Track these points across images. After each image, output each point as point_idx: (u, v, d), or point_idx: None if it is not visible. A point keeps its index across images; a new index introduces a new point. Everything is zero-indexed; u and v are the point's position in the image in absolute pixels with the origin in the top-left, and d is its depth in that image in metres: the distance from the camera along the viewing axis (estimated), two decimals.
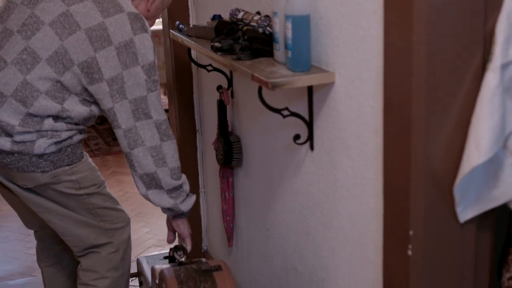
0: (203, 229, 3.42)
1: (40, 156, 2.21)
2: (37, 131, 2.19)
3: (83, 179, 2.32)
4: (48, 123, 2.19)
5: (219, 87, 2.68)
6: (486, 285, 1.70)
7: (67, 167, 2.27)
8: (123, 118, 2.21)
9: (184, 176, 2.39)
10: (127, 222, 2.51)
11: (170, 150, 2.30)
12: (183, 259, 2.41)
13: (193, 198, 2.43)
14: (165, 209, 2.41)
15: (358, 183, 1.82)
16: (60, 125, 2.22)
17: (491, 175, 1.54)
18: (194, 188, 3.38)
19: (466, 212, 1.58)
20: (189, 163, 3.36)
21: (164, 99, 6.44)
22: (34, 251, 3.76)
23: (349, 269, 1.95)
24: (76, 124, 2.27)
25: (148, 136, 2.24)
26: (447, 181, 1.55)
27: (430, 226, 1.57)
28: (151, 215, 4.30)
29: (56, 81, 2.17)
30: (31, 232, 4.05)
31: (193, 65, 3.15)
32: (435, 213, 1.57)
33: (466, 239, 1.62)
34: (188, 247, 2.47)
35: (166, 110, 6.43)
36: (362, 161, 1.79)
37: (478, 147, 1.47)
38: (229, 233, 2.91)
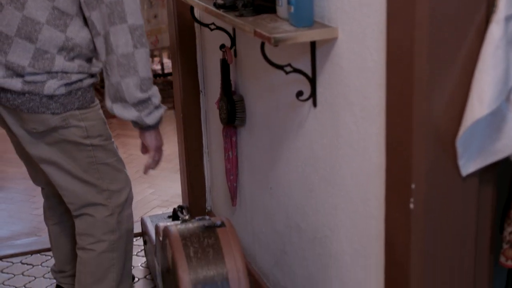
0: (206, 189, 3.43)
1: (50, 97, 2.24)
2: (47, 72, 2.22)
3: (92, 127, 2.34)
4: (58, 63, 2.21)
5: (222, 46, 2.68)
6: (488, 239, 1.71)
7: (77, 111, 2.30)
8: (99, 24, 2.18)
9: (154, 89, 2.31)
10: (126, 185, 2.50)
11: (143, 58, 2.22)
12: (186, 218, 2.42)
13: (160, 111, 2.34)
14: (131, 122, 2.34)
15: (361, 138, 1.83)
16: (70, 65, 2.23)
17: (494, 128, 1.54)
18: (198, 149, 3.39)
19: (468, 166, 1.58)
20: (192, 124, 3.37)
21: (168, 63, 6.44)
22: (39, 211, 3.79)
23: (351, 225, 1.96)
24: (87, 61, 2.28)
25: (122, 42, 2.17)
26: (449, 134, 1.55)
27: (432, 180, 1.58)
28: (155, 176, 4.31)
29: (52, 8, 2.18)
30: (37, 193, 4.10)
31: (196, 26, 3.14)
32: (437, 166, 1.57)
33: (468, 193, 1.62)
34: (149, 161, 2.39)
35: (170, 73, 6.41)
36: (365, 116, 1.79)
37: (481, 100, 1.47)
38: (233, 193, 2.93)
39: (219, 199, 3.28)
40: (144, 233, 3.09)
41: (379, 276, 1.83)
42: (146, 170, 2.43)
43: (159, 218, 3.08)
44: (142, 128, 2.35)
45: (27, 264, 3.23)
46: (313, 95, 2.04)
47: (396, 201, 1.66)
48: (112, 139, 2.46)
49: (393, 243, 1.70)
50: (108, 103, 2.26)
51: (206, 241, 2.08)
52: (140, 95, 2.23)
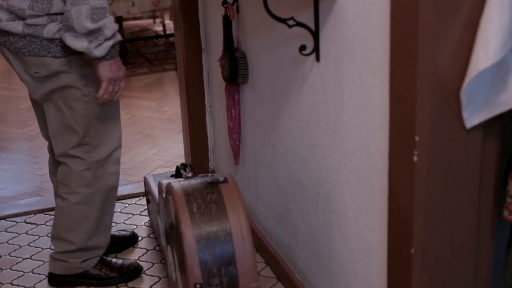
0: (209, 148, 3.43)
1: (51, 40, 2.29)
2: (47, 14, 2.26)
3: (92, 75, 2.35)
4: (56, 5, 2.25)
5: (225, 2, 2.65)
6: (491, 193, 1.70)
7: (78, 56, 2.32)
8: None
9: (107, 20, 2.23)
10: (112, 143, 2.52)
11: None
12: (189, 175, 2.41)
13: (110, 43, 2.24)
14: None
15: (364, 92, 1.81)
16: None
17: (499, 80, 1.53)
18: (201, 108, 3.38)
19: (472, 118, 1.57)
20: (195, 83, 3.35)
21: (169, 24, 6.40)
22: (42, 172, 3.80)
23: (355, 180, 1.95)
24: None
25: None
26: (454, 86, 1.54)
27: (436, 132, 1.56)
28: (158, 137, 4.31)
29: None
30: (40, 154, 4.11)
31: None
32: (441, 118, 1.56)
33: (472, 146, 1.61)
34: (101, 91, 2.33)
35: (171, 35, 6.36)
36: (369, 69, 1.77)
37: (486, 50, 1.45)
38: (236, 151, 2.92)
39: (222, 158, 3.27)
40: (147, 193, 3.10)
41: (383, 230, 1.83)
42: (98, 99, 2.36)
43: (162, 177, 3.08)
44: (95, 59, 2.29)
45: (31, 223, 3.24)
46: (316, 49, 2.02)
47: (399, 154, 1.65)
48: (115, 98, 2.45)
49: (397, 196, 1.70)
50: (62, 32, 2.26)
51: (209, 197, 2.08)
52: (90, 25, 2.20)
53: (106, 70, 2.30)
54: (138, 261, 2.79)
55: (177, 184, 2.14)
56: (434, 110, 1.55)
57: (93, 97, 2.38)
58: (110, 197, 2.61)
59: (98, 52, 2.24)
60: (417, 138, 1.57)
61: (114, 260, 2.74)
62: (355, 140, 1.91)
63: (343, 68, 1.90)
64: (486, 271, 1.77)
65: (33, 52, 2.31)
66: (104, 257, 2.72)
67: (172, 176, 3.01)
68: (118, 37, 2.29)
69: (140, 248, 2.94)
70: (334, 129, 2.02)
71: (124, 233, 2.97)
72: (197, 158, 3.46)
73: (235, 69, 2.66)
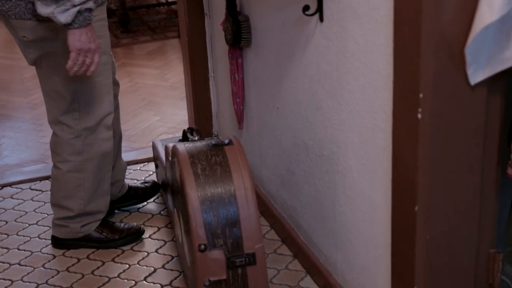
0: (213, 114, 3.43)
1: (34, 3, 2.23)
2: None
3: None
4: None
5: None
6: (495, 150, 1.71)
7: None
8: None
9: None
10: (102, 110, 2.51)
11: None
12: (196, 139, 2.41)
13: (76, 9, 2.16)
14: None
15: (368, 51, 1.81)
16: None
17: (504, 36, 1.52)
18: (204, 74, 3.37)
19: (477, 74, 1.56)
20: (198, 49, 3.34)
21: None
22: (46, 140, 3.80)
23: (359, 140, 1.96)
24: None
25: None
26: (458, 42, 1.53)
27: (440, 89, 1.56)
28: (161, 104, 4.31)
29: None
30: (44, 122, 4.11)
31: None
32: (445, 75, 1.56)
33: (476, 102, 1.61)
34: (69, 62, 2.26)
35: (174, 2, 6.34)
36: (373, 28, 1.76)
37: (491, 5, 1.44)
38: (239, 116, 2.92)
39: (226, 123, 3.27)
40: (155, 158, 3.10)
41: (387, 189, 1.84)
42: (68, 70, 2.30)
43: (169, 141, 3.07)
44: (65, 26, 2.22)
45: (36, 190, 3.25)
46: (319, 9, 2.01)
47: (403, 112, 1.65)
48: (102, 62, 2.42)
49: (401, 155, 1.70)
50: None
51: (214, 159, 2.08)
52: None
53: (75, 40, 2.21)
54: (143, 225, 2.81)
55: (182, 146, 2.15)
56: (438, 67, 1.55)
57: None
58: (105, 163, 2.61)
59: (64, 18, 2.16)
60: (421, 95, 1.57)
61: (116, 223, 2.77)
62: (359, 100, 1.91)
63: (346, 28, 1.90)
64: (490, 229, 1.78)
65: (18, 15, 2.29)
66: (107, 220, 2.76)
67: (180, 140, 3.00)
68: (88, 5, 2.18)
69: (145, 213, 2.95)
70: (338, 89, 2.02)
71: (146, 184, 3.00)
72: (200, 124, 3.46)
73: (238, 32, 2.65)
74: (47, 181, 3.31)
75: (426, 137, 1.60)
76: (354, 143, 1.99)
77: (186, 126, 3.87)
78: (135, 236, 2.73)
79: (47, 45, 2.36)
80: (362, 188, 1.99)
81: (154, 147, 3.12)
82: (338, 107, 2.04)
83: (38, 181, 3.33)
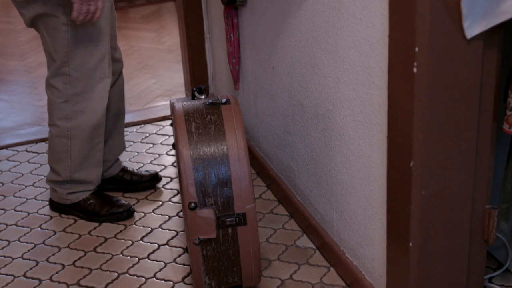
0: (209, 75, 3.41)
1: None
2: None
3: (70, 2, 2.27)
4: None
5: None
6: (491, 105, 1.70)
7: None
8: None
9: None
10: (93, 76, 2.45)
11: None
12: (202, 98, 2.39)
13: None
14: None
15: (363, 6, 1.79)
16: None
17: None
18: (199, 35, 3.35)
19: (473, 28, 1.55)
20: (193, 10, 3.31)
21: None
22: (42, 103, 3.80)
23: (354, 97, 1.95)
24: None
25: None
26: None
27: (436, 43, 1.55)
28: (157, 67, 4.29)
29: None
30: (39, 85, 4.10)
31: None
32: (441, 29, 1.54)
33: (472, 57, 1.60)
34: (74, 13, 2.25)
35: None
36: None
37: None
38: (235, 76, 2.90)
39: (222, 84, 3.26)
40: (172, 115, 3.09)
41: (382, 146, 1.83)
42: (75, 21, 2.29)
43: (186, 100, 3.05)
44: None
45: (32, 152, 3.25)
46: None
47: (399, 66, 1.64)
48: (97, 27, 2.40)
49: (396, 110, 1.69)
50: None
51: (209, 118, 2.07)
52: None
53: None
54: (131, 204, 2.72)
55: (180, 104, 2.13)
56: (434, 20, 1.53)
57: (72, 25, 2.34)
58: (96, 133, 2.55)
59: None
60: (416, 49, 1.56)
61: (108, 198, 2.69)
62: (354, 56, 1.90)
63: None
64: (486, 184, 1.78)
65: None
66: (102, 193, 2.70)
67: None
68: None
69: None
70: (333, 46, 2.00)
71: (144, 173, 2.86)
72: (196, 86, 3.44)
73: None
74: (43, 143, 3.31)
75: (422, 92, 1.59)
76: (349, 101, 1.98)
77: (182, 89, 3.87)
78: (121, 215, 2.63)
79: (38, 6, 2.32)
80: (358, 146, 1.99)
81: (171, 105, 3.09)
82: (334, 65, 2.03)
83: (34, 143, 3.33)
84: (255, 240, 2.05)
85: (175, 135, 2.06)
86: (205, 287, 2.09)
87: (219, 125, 2.05)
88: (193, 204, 1.98)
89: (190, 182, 1.98)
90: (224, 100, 2.11)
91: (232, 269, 2.07)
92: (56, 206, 2.71)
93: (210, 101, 2.12)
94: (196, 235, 2.01)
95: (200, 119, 2.06)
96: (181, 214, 2.64)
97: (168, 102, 3.69)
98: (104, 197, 2.68)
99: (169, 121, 3.44)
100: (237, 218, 2.01)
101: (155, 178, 2.85)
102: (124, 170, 2.84)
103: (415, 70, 1.57)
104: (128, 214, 2.64)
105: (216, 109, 2.10)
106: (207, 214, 2.00)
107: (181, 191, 2.10)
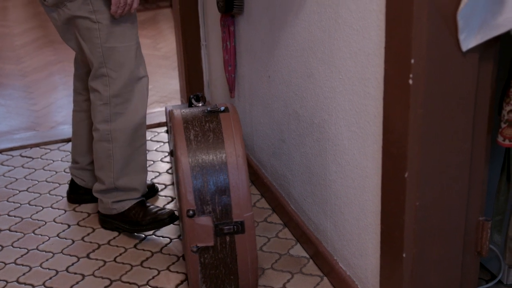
0: (205, 83, 3.42)
1: None
2: None
3: (97, 1, 2.30)
4: None
5: None
6: (486, 118, 1.71)
7: None
8: None
9: None
10: (131, 76, 2.43)
11: None
12: (199, 105, 2.39)
13: None
14: None
15: (360, 17, 1.79)
16: None
17: (496, 1, 1.51)
18: (196, 42, 3.36)
19: (469, 40, 1.56)
20: (190, 17, 3.32)
21: None
22: (37, 107, 3.81)
23: (350, 107, 1.95)
24: None
25: None
26: (450, 7, 1.52)
27: (432, 55, 1.56)
28: (153, 73, 4.29)
29: None
30: (35, 89, 4.10)
31: None
32: (437, 41, 1.55)
33: (468, 69, 1.60)
34: (113, 7, 2.28)
35: None
36: None
37: None
38: (231, 84, 2.91)
39: (218, 92, 3.26)
40: (168, 123, 3.09)
41: (377, 156, 1.84)
42: (114, 15, 2.31)
43: (182, 107, 3.06)
44: None
45: (27, 157, 3.24)
46: None
47: (395, 78, 1.65)
48: (130, 26, 2.40)
49: (392, 121, 1.70)
50: None
51: (208, 125, 2.07)
52: None
53: None
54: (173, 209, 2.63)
55: (178, 111, 2.13)
56: (430, 32, 1.54)
57: (103, 24, 2.33)
58: (138, 135, 2.50)
59: None
60: (412, 61, 1.56)
61: (149, 205, 2.60)
62: (350, 67, 1.90)
63: None
64: (479, 196, 1.78)
65: None
66: (143, 201, 2.61)
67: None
68: None
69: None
70: (330, 56, 2.01)
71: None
72: (192, 92, 3.45)
73: None
74: (37, 148, 3.31)
75: (417, 103, 1.60)
76: (345, 111, 1.98)
77: (178, 96, 3.88)
78: (165, 221, 2.52)
79: (67, 8, 2.32)
80: (352, 156, 1.99)
81: (166, 113, 3.10)
82: (330, 74, 2.03)
83: (29, 148, 3.32)
84: (253, 248, 2.05)
85: (174, 142, 2.06)
86: None
87: (218, 133, 2.05)
88: (191, 212, 1.99)
89: (189, 189, 1.99)
90: (222, 108, 2.12)
91: (230, 277, 2.07)
92: (103, 219, 2.63)
93: (208, 109, 2.12)
94: (194, 242, 2.01)
95: (199, 126, 2.06)
96: (176, 221, 2.64)
97: (163, 109, 3.69)
98: (146, 205, 2.59)
99: (164, 128, 3.44)
100: (235, 226, 2.01)
101: (152, 189, 2.84)
102: None
103: (410, 81, 1.58)
104: (170, 219, 2.52)
105: (215, 117, 2.10)
106: (205, 221, 2.00)
107: (178, 198, 2.10)
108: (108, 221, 2.62)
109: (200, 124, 2.07)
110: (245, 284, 2.10)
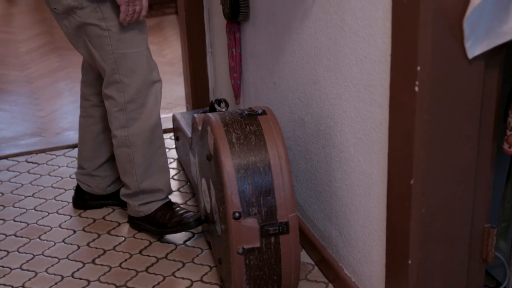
0: (210, 89, 3.43)
1: None
2: None
3: (106, 8, 2.31)
4: None
5: None
6: (491, 125, 1.71)
7: None
8: None
9: None
10: (144, 81, 2.45)
11: None
12: (223, 110, 2.40)
13: None
14: None
15: (366, 24, 1.80)
16: None
17: (502, 9, 1.52)
18: (201, 49, 3.37)
19: (474, 48, 1.56)
20: (195, 24, 3.33)
21: None
22: (43, 113, 3.81)
23: (355, 114, 1.96)
24: None
25: None
26: (456, 15, 1.53)
27: (438, 62, 1.56)
28: None
29: None
30: (40, 95, 4.12)
31: None
32: (443, 48, 1.56)
33: (473, 76, 1.61)
34: (122, 15, 2.30)
35: None
36: (371, 1, 1.76)
37: None
38: (236, 90, 2.92)
39: (223, 98, 3.26)
40: (176, 129, 3.09)
41: (383, 163, 1.84)
42: (122, 23, 2.33)
43: (190, 114, 3.07)
44: None
45: (32, 162, 3.25)
46: None
47: (401, 85, 1.65)
48: (140, 31, 2.41)
49: (397, 127, 1.71)
50: None
51: (248, 128, 2.08)
52: None
53: None
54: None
55: (216, 115, 2.14)
56: (436, 39, 1.55)
57: (113, 31, 2.35)
58: (154, 136, 2.52)
59: None
60: (418, 68, 1.57)
61: (176, 207, 2.60)
62: (356, 73, 1.91)
63: (344, 1, 1.89)
64: (485, 203, 1.79)
65: None
66: (169, 202, 2.63)
67: (203, 112, 2.96)
68: None
69: None
70: (335, 63, 2.02)
71: None
72: (197, 99, 3.46)
73: (236, 6, 2.64)
74: (43, 154, 3.32)
75: (423, 110, 1.61)
76: (350, 117, 1.99)
77: (183, 102, 3.88)
78: (191, 224, 2.51)
79: (77, 15, 2.34)
80: (358, 162, 2.00)
81: (174, 120, 3.10)
82: (335, 81, 2.04)
83: (35, 154, 3.33)
84: (296, 248, 2.07)
85: (215, 145, 2.05)
86: None
87: (259, 135, 2.07)
88: (237, 214, 2.00)
89: (234, 192, 2.00)
90: (260, 111, 2.13)
91: (273, 278, 2.09)
92: (132, 221, 2.67)
93: (246, 112, 2.13)
94: (240, 244, 2.02)
95: (240, 129, 2.08)
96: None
97: (169, 115, 3.70)
98: (173, 206, 2.61)
99: (170, 134, 3.44)
100: (280, 227, 2.03)
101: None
102: None
103: (416, 88, 1.59)
104: (196, 223, 2.51)
105: (254, 119, 2.12)
106: (251, 223, 2.02)
107: (219, 202, 2.10)
108: (136, 223, 2.65)
109: (240, 127, 2.08)
110: (287, 284, 2.12)
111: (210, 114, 2.16)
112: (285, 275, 2.09)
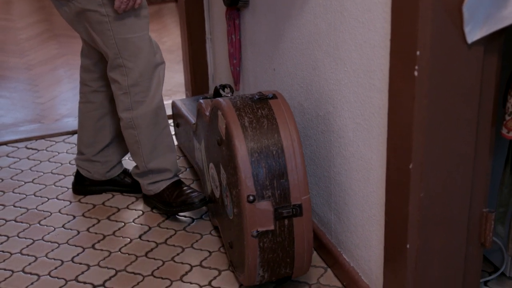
0: (209, 76, 3.43)
1: None
2: None
3: None
4: None
5: None
6: (491, 109, 1.72)
7: None
8: None
9: None
10: (147, 65, 2.47)
11: None
12: (229, 95, 2.41)
13: None
14: None
15: (366, 9, 1.81)
16: None
17: None
18: (201, 36, 3.37)
19: (474, 33, 1.57)
20: (195, 10, 3.33)
21: None
22: (42, 100, 3.82)
23: (355, 99, 1.96)
24: None
25: None
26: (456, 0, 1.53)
27: (437, 47, 1.57)
28: None
29: None
30: (39, 82, 4.12)
31: None
32: (442, 33, 1.56)
33: (473, 61, 1.62)
34: (117, 3, 2.30)
35: None
36: None
37: None
38: (236, 77, 2.92)
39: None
40: (176, 116, 3.09)
41: (382, 148, 1.85)
42: (118, 10, 2.34)
43: (191, 100, 3.08)
44: None
45: (32, 149, 3.26)
46: None
47: (400, 70, 1.66)
48: (141, 16, 2.42)
49: (396, 113, 1.71)
50: None
51: (260, 112, 2.08)
52: None
53: None
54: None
55: (226, 100, 2.15)
56: (435, 24, 1.55)
57: (113, 17, 2.36)
58: (160, 117, 2.57)
59: None
60: (418, 53, 1.57)
61: (183, 187, 2.64)
62: (355, 59, 1.91)
63: None
64: (483, 188, 1.80)
65: None
66: (178, 181, 2.67)
67: (205, 98, 2.95)
68: None
69: None
70: (335, 49, 2.02)
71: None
72: (197, 86, 3.47)
73: None
74: (43, 140, 3.33)
75: (422, 95, 1.61)
76: (350, 103, 2.00)
77: (182, 89, 3.89)
78: (195, 205, 2.55)
79: (77, 1, 2.35)
80: (357, 148, 2.00)
81: (174, 106, 3.10)
82: (335, 67, 2.05)
83: (34, 140, 3.34)
84: (309, 230, 2.07)
85: (227, 129, 2.06)
86: (258, 279, 2.12)
87: (271, 119, 2.07)
88: (251, 197, 2.01)
89: (248, 175, 2.01)
90: (270, 95, 2.13)
91: (286, 260, 2.10)
92: (145, 199, 2.75)
93: (257, 96, 2.13)
94: (254, 227, 2.03)
95: (251, 113, 2.08)
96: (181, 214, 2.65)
97: (168, 102, 3.70)
98: (180, 186, 2.65)
99: (170, 121, 3.45)
100: (293, 209, 2.04)
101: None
102: (126, 172, 2.86)
103: (416, 73, 1.59)
104: (201, 203, 2.55)
105: (265, 103, 2.12)
106: (265, 206, 2.03)
107: (231, 186, 2.11)
108: (148, 201, 2.73)
109: (252, 111, 2.08)
110: (300, 266, 2.12)
111: (220, 99, 2.16)
112: (298, 257, 2.11)
